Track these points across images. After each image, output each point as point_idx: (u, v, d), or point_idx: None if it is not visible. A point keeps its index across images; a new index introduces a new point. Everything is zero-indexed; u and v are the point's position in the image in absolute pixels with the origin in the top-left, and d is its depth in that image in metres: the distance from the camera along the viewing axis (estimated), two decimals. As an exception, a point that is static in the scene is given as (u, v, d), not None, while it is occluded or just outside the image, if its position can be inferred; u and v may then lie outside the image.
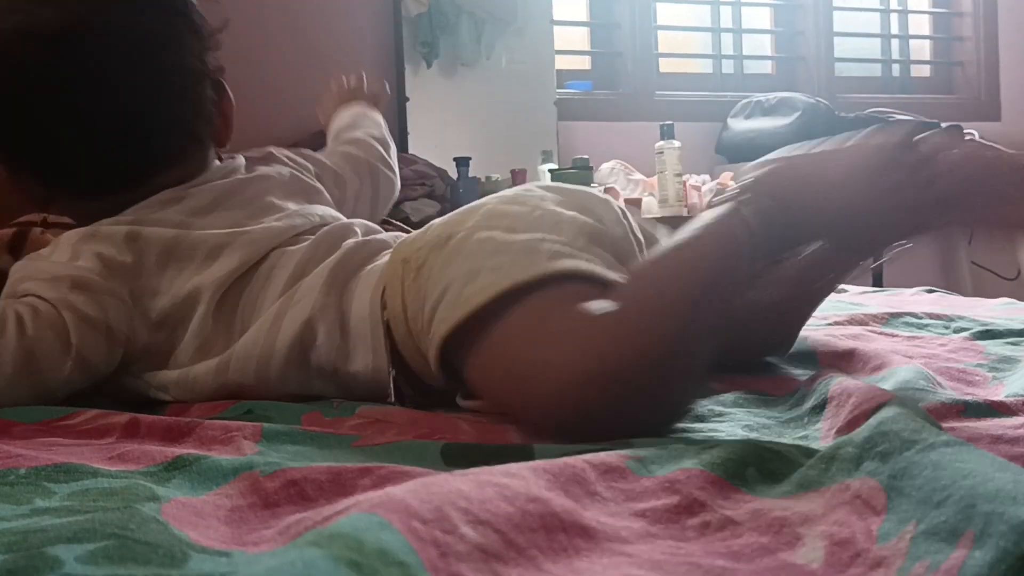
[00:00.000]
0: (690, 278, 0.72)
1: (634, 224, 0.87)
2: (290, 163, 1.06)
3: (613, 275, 0.76)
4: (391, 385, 0.85)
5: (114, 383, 0.92)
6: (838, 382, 0.77)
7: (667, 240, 0.76)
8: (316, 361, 0.87)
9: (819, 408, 0.77)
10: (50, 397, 0.86)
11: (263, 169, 1.02)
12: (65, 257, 0.89)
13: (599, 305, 0.70)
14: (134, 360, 0.90)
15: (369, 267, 0.88)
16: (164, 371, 0.90)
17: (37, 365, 0.85)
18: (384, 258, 0.88)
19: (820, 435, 0.72)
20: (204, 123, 0.97)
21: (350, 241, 0.92)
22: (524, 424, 0.74)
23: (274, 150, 1.07)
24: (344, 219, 1.00)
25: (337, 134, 1.30)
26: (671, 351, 0.69)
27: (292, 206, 0.98)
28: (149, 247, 0.89)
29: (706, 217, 0.75)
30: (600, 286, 0.74)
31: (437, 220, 0.85)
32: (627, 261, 0.81)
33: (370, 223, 1.01)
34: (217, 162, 1.00)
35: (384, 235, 0.96)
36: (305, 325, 0.86)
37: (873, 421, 0.55)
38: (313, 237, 0.93)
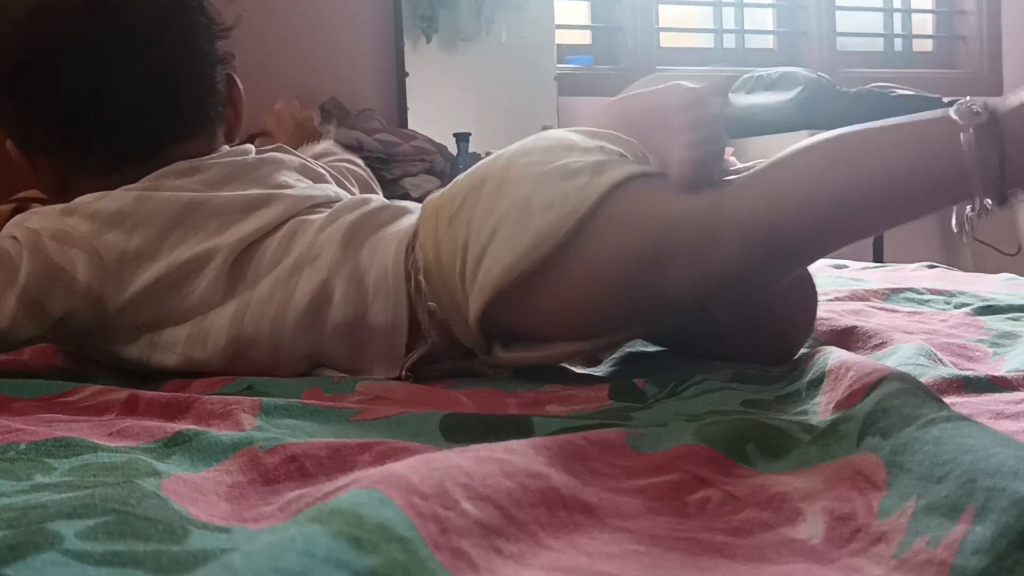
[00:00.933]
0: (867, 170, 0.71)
1: None
2: (299, 156, 1.07)
3: (657, 167, 0.79)
4: (406, 340, 0.87)
5: (115, 354, 0.92)
6: (837, 356, 0.76)
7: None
8: (332, 320, 0.88)
9: (817, 382, 0.77)
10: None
11: (274, 154, 1.03)
12: (58, 210, 0.90)
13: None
14: (116, 325, 0.89)
15: (393, 227, 0.90)
16: (171, 328, 0.90)
17: None
18: (407, 220, 0.90)
19: (819, 409, 0.72)
20: (214, 105, 0.99)
21: (369, 205, 0.93)
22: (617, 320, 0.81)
23: (284, 146, 1.08)
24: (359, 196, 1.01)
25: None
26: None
27: (304, 184, 1.00)
28: (159, 211, 0.89)
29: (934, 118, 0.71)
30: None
31: (462, 175, 0.87)
32: None
33: (385, 199, 1.01)
34: (226, 147, 1.02)
35: (404, 203, 0.96)
36: (322, 285, 0.87)
37: (874, 396, 0.55)
38: (331, 209, 0.94)
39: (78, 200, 0.91)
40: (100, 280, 0.87)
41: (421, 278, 0.85)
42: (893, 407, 0.53)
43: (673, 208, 0.76)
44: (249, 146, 1.03)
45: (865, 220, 0.75)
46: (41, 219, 0.90)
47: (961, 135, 0.68)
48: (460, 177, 0.86)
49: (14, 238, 0.88)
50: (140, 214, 0.89)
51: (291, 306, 0.87)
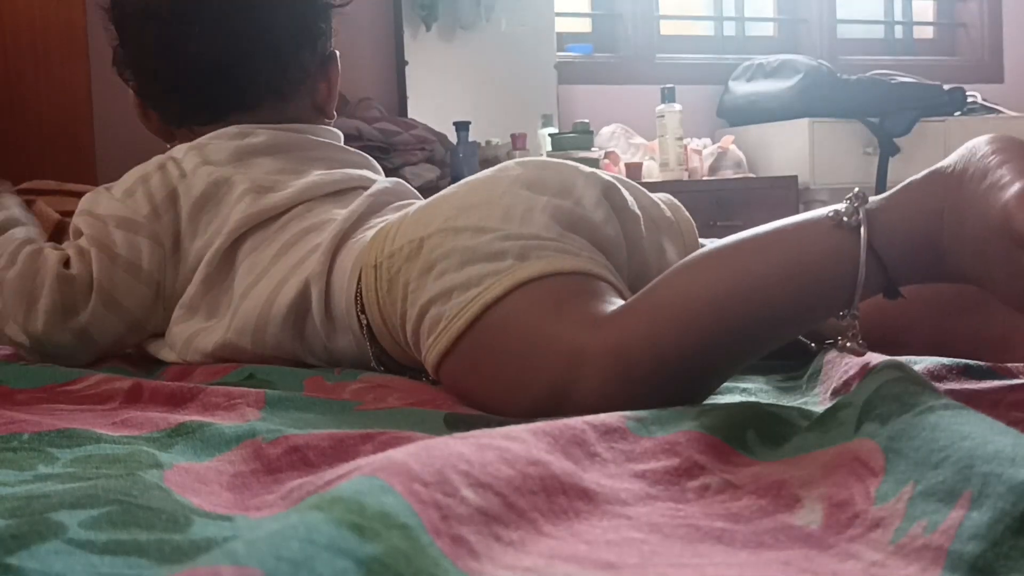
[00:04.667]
0: (736, 286, 0.63)
1: (629, 200, 0.80)
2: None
3: (584, 263, 0.72)
4: (376, 365, 0.86)
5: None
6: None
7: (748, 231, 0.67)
8: (309, 331, 0.88)
9: (816, 374, 0.77)
10: (90, 342, 0.94)
11: (356, 156, 1.04)
12: (120, 192, 0.96)
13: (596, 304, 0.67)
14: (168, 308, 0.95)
15: (355, 238, 0.87)
16: (176, 327, 0.93)
17: (61, 301, 0.92)
18: (368, 234, 0.85)
19: (818, 400, 0.72)
20: (288, 82, 1.02)
21: (357, 203, 0.91)
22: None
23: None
24: (379, 186, 0.97)
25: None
26: (678, 360, 0.64)
27: (344, 170, 1.00)
28: (193, 188, 0.94)
29: (814, 214, 0.64)
30: (577, 274, 0.71)
31: (411, 210, 0.80)
32: (607, 246, 0.76)
33: (407, 187, 1.00)
34: (301, 125, 1.03)
35: (392, 203, 0.94)
36: (300, 293, 0.87)
37: (872, 383, 0.55)
38: (334, 204, 0.94)
39: (137, 174, 0.97)
40: (160, 266, 0.93)
41: (372, 329, 0.82)
42: (892, 394, 0.53)
43: (553, 328, 0.68)
44: (337, 133, 1.05)
45: (748, 327, 0.64)
46: (107, 203, 0.95)
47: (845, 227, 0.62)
48: (410, 217, 0.79)
49: (82, 234, 0.94)
50: (180, 191, 0.94)
51: (270, 319, 0.88)
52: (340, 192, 0.96)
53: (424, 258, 0.74)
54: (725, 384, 0.77)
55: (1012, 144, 0.60)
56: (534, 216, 0.73)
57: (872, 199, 0.64)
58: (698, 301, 0.64)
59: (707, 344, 0.64)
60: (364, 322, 0.82)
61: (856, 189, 0.64)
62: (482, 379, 0.72)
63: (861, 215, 0.62)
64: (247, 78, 1.01)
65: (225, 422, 0.64)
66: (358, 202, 0.91)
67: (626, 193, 0.80)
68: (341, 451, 0.57)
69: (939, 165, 0.63)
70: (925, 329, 0.76)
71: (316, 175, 0.96)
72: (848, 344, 0.63)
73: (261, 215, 0.92)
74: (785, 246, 0.65)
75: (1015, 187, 0.56)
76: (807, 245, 0.64)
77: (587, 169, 0.80)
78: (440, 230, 0.75)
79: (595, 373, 0.65)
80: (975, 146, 0.62)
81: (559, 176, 0.78)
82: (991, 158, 0.59)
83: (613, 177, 0.81)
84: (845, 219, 0.62)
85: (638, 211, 0.81)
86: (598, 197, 0.77)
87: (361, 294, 0.81)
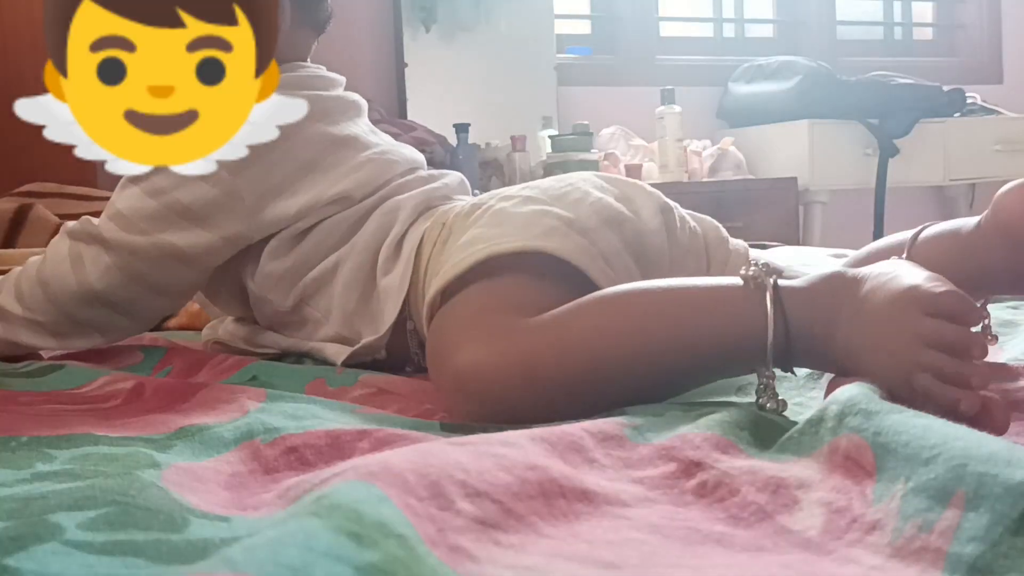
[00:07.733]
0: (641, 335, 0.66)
1: (687, 218, 0.88)
2: None
3: (591, 262, 0.75)
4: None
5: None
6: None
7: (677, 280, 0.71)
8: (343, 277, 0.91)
9: (817, 376, 0.77)
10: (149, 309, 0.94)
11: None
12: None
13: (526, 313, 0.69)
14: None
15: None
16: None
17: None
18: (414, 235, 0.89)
19: (816, 401, 0.72)
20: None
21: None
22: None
23: None
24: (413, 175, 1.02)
25: None
26: (569, 389, 0.66)
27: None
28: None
29: (733, 284, 0.66)
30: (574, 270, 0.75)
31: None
32: (653, 252, 0.81)
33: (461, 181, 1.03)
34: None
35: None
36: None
37: (856, 386, 0.55)
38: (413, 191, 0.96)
39: None
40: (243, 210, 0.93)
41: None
42: (873, 399, 0.53)
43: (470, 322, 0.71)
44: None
45: (646, 379, 0.67)
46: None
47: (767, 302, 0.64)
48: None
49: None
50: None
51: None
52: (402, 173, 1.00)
53: (474, 217, 0.82)
54: (722, 382, 0.77)
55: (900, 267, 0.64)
56: (582, 205, 0.80)
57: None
58: (607, 340, 0.66)
59: (603, 378, 0.66)
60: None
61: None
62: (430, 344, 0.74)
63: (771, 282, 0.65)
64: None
65: (225, 418, 0.64)
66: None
67: (677, 221, 0.87)
68: (337, 449, 0.57)
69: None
70: (1008, 266, 0.76)
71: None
72: (762, 402, 0.64)
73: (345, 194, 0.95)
74: (700, 311, 0.67)
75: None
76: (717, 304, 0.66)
77: (649, 188, 0.88)
78: (501, 196, 0.83)
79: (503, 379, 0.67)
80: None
81: (624, 188, 0.86)
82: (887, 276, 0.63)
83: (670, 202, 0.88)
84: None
85: (695, 226, 0.88)
86: (656, 209, 0.84)
87: (423, 242, 0.87)
